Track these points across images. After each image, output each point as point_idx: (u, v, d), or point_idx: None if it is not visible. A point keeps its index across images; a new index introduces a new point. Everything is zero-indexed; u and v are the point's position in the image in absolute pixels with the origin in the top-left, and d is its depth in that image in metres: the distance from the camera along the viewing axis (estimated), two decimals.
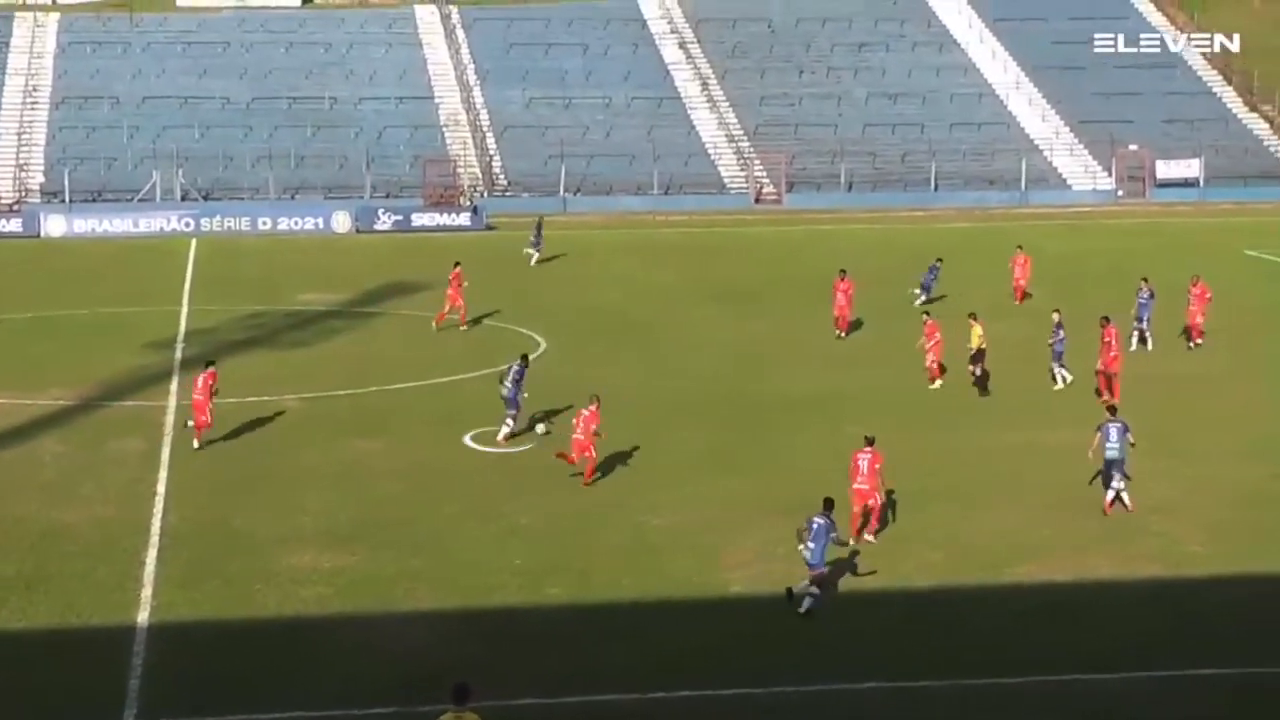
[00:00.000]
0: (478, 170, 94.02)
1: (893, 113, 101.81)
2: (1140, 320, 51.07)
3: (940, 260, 60.30)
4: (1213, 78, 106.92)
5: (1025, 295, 59.65)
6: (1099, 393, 43.96)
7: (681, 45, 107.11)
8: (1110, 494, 34.69)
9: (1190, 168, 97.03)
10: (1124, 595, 30.25)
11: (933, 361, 46.61)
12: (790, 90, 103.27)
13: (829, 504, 29.73)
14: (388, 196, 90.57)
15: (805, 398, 45.31)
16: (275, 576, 30.91)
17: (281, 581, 30.68)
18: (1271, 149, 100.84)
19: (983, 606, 29.96)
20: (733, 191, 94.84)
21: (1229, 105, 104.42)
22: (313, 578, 30.89)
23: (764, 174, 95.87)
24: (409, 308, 59.63)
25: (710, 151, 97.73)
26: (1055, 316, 47.21)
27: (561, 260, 71.42)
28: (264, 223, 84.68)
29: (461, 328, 54.89)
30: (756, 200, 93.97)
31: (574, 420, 37.40)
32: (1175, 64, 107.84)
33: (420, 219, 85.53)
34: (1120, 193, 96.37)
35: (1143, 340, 51.03)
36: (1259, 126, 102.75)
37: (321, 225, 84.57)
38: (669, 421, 42.58)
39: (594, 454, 36.80)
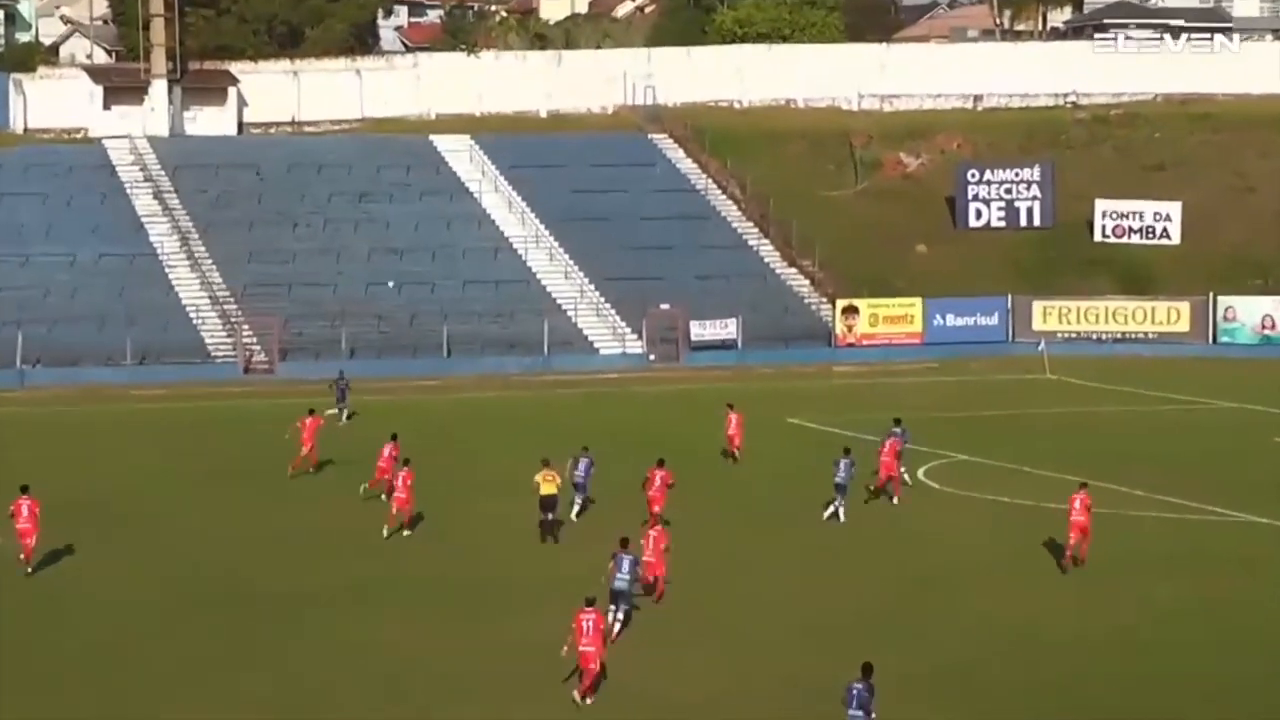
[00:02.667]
0: None
1: (399, 269, 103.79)
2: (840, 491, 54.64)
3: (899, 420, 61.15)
4: (749, 230, 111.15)
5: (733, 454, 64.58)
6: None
7: (157, 195, 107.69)
8: (615, 625, 39.99)
9: (727, 328, 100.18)
10: None
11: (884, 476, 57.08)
12: (283, 245, 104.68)
13: (868, 669, 32.26)
14: None
15: (315, 587, 46.53)
16: None
17: None
18: (812, 306, 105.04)
19: None
20: (219, 360, 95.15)
21: (766, 259, 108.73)
22: None
23: (254, 340, 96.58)
24: None
25: (192, 315, 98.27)
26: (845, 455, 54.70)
27: (18, 445, 71.56)
28: None
29: (310, 470, 62.33)
30: (246, 370, 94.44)
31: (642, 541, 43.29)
32: (708, 215, 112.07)
33: None
34: (652, 357, 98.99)
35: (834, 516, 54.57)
36: (798, 282, 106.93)
37: None
38: (170, 617, 43.43)
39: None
